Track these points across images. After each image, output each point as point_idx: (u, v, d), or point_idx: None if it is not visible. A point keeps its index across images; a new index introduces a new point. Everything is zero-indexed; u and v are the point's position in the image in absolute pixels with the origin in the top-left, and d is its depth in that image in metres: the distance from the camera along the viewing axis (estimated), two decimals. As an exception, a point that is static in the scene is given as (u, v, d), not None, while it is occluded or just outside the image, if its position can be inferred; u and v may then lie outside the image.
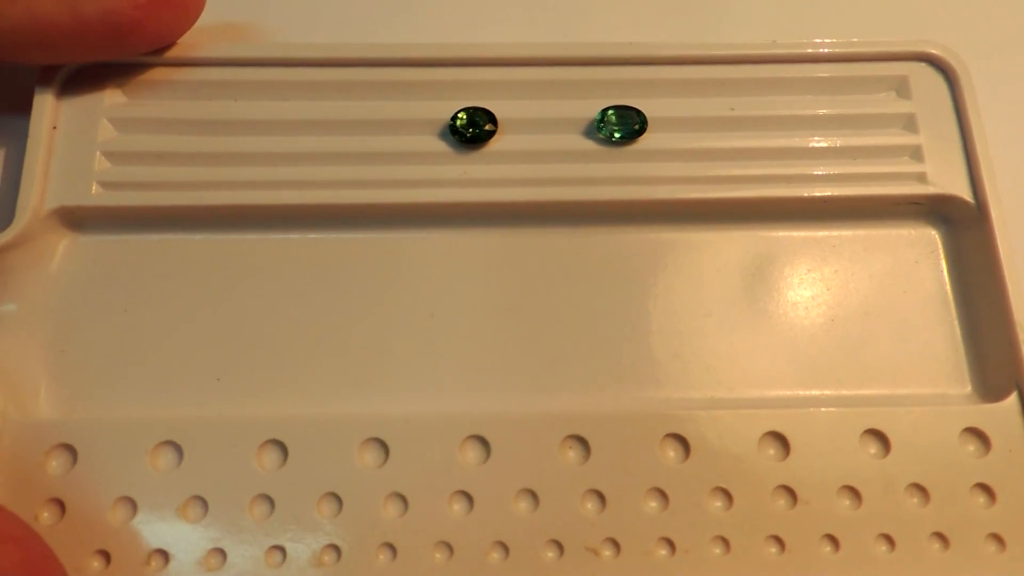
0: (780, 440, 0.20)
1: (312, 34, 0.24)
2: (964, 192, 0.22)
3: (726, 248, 0.22)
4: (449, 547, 0.19)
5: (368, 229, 0.22)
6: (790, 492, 0.19)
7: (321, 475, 0.19)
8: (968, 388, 0.21)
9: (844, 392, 0.21)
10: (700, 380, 0.21)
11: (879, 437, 0.20)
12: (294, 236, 0.22)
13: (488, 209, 0.21)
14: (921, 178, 0.22)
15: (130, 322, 0.21)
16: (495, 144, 0.22)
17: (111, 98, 0.21)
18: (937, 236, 0.22)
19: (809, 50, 0.22)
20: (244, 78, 0.22)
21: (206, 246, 0.21)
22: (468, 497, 0.19)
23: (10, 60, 0.20)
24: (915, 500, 0.19)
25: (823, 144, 0.22)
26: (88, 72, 0.21)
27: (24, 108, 0.21)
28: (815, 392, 0.21)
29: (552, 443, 0.19)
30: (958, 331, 0.21)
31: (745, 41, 0.22)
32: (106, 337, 0.20)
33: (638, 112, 0.22)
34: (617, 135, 0.22)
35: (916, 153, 0.22)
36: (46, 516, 0.18)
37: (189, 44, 0.22)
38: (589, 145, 0.22)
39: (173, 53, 0.22)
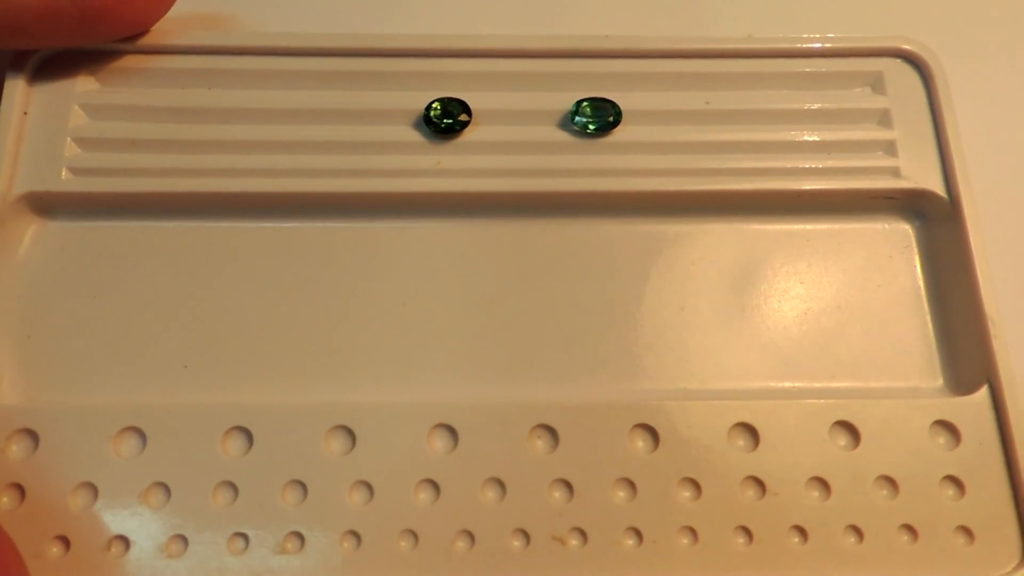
0: (750, 431, 0.19)
1: (286, 23, 0.24)
2: (937, 187, 0.22)
3: (700, 241, 0.22)
4: (415, 535, 0.18)
5: (341, 218, 0.22)
6: (759, 483, 0.19)
7: (286, 463, 0.19)
8: (939, 381, 0.21)
9: (816, 385, 0.21)
10: (672, 372, 0.21)
11: (849, 429, 0.20)
12: (265, 225, 0.21)
13: (462, 199, 0.21)
14: (895, 173, 0.22)
15: (98, 309, 0.20)
16: (469, 135, 0.22)
17: (83, 85, 0.21)
18: (911, 231, 0.22)
19: (785, 45, 0.23)
20: (217, 66, 0.22)
21: (176, 234, 0.21)
22: (435, 486, 0.19)
23: (-19, 44, 0.20)
24: (884, 492, 0.19)
25: (798, 138, 0.22)
26: (61, 58, 0.21)
27: (-5, 94, 0.21)
28: (787, 384, 0.21)
29: (520, 432, 0.19)
30: (930, 325, 0.21)
31: (721, 35, 0.22)
32: (73, 323, 0.20)
33: (613, 104, 0.22)
34: (592, 127, 0.22)
35: (890, 148, 0.22)
36: (5, 501, 0.18)
37: (163, 32, 0.22)
38: (563, 136, 0.22)
39: (147, 40, 0.22)
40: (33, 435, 0.19)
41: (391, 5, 0.24)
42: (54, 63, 0.21)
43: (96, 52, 0.22)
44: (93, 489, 0.18)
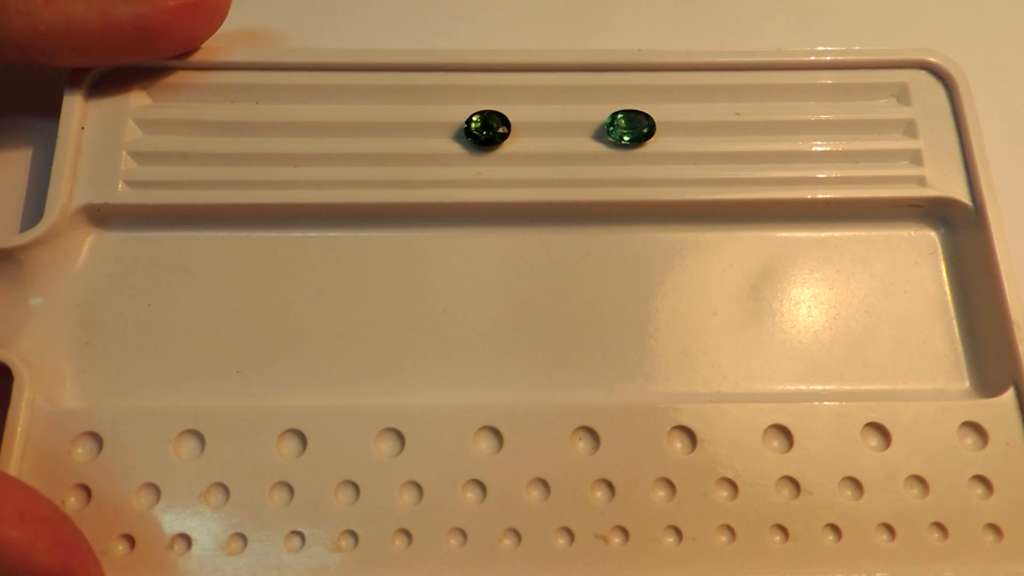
0: (784, 433, 0.20)
1: (331, 39, 0.24)
2: (962, 195, 0.22)
3: (732, 248, 0.23)
4: (463, 534, 0.19)
5: (385, 227, 0.22)
6: (794, 483, 0.20)
7: (339, 464, 0.19)
8: (966, 384, 0.21)
9: (846, 387, 0.21)
10: (706, 375, 0.21)
11: (880, 430, 0.20)
12: (313, 234, 0.22)
13: (501, 209, 0.22)
14: (921, 181, 0.22)
15: (153, 316, 0.21)
16: (508, 146, 0.22)
17: (137, 100, 0.22)
18: (936, 237, 0.23)
19: (813, 57, 0.23)
20: (265, 82, 0.22)
21: (227, 243, 0.22)
22: (481, 486, 0.20)
23: (43, 62, 0.20)
24: (915, 491, 0.20)
25: (826, 148, 0.23)
26: (116, 75, 0.22)
27: (54, 110, 0.22)
28: (818, 387, 0.21)
29: (563, 434, 0.20)
30: (956, 329, 0.22)
31: (751, 48, 0.23)
32: (130, 330, 0.21)
33: (647, 116, 0.22)
34: (626, 138, 0.22)
35: (916, 157, 0.23)
36: (72, 501, 0.19)
37: (213, 49, 0.22)
38: (599, 148, 0.22)
39: (198, 57, 0.22)
40: (97, 438, 0.19)
41: (432, 21, 0.25)
42: (109, 79, 0.22)
43: (149, 68, 0.22)
44: (156, 490, 0.19)
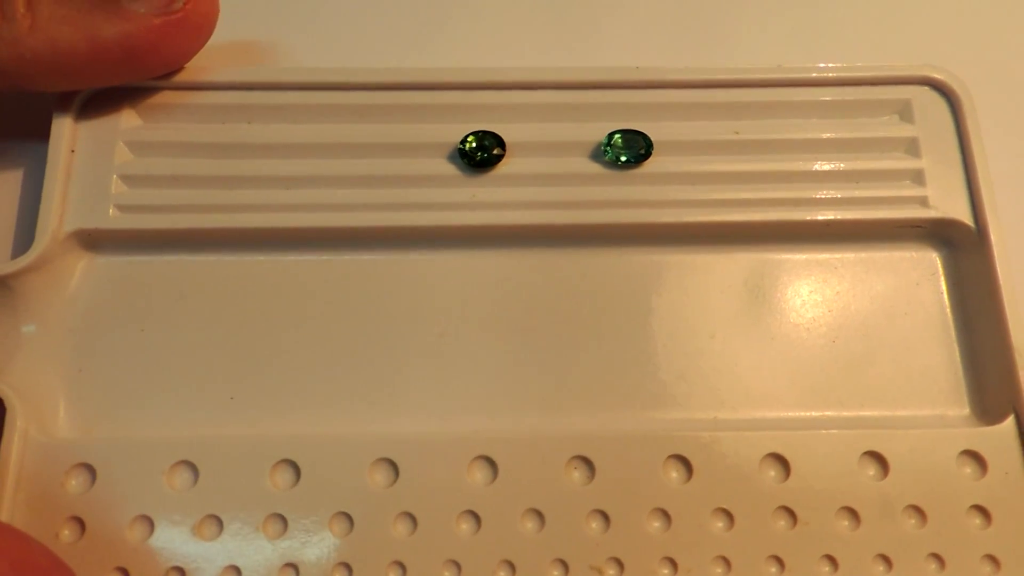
0: (781, 462, 0.20)
1: (323, 57, 0.24)
2: (965, 216, 0.22)
3: (730, 270, 0.22)
4: (457, 565, 0.19)
5: (378, 251, 0.22)
6: (790, 513, 0.20)
7: (332, 495, 0.19)
8: (966, 410, 0.21)
9: (845, 413, 0.21)
10: (704, 401, 0.21)
11: (878, 459, 0.20)
12: (306, 257, 0.22)
13: (496, 232, 0.22)
14: (923, 202, 0.22)
15: (146, 342, 0.21)
16: (503, 167, 0.22)
17: (127, 121, 0.22)
18: (938, 259, 0.23)
19: (813, 74, 0.23)
20: (257, 102, 0.22)
21: (221, 267, 0.22)
22: (476, 516, 0.19)
23: (30, 89, 0.20)
24: (912, 521, 0.20)
25: (826, 168, 0.22)
26: (104, 96, 0.22)
27: (42, 133, 0.21)
28: (816, 413, 0.21)
29: (558, 463, 0.20)
30: (957, 353, 0.22)
31: (750, 65, 0.23)
32: (123, 357, 0.21)
33: (644, 136, 0.22)
34: (623, 159, 0.22)
35: (918, 177, 0.22)
36: (66, 534, 0.19)
37: (203, 68, 0.22)
38: (596, 168, 0.22)
39: (188, 77, 0.22)
40: (91, 469, 0.19)
41: (425, 39, 0.24)
42: (98, 100, 0.22)
43: (139, 89, 0.22)
44: (149, 522, 0.19)
